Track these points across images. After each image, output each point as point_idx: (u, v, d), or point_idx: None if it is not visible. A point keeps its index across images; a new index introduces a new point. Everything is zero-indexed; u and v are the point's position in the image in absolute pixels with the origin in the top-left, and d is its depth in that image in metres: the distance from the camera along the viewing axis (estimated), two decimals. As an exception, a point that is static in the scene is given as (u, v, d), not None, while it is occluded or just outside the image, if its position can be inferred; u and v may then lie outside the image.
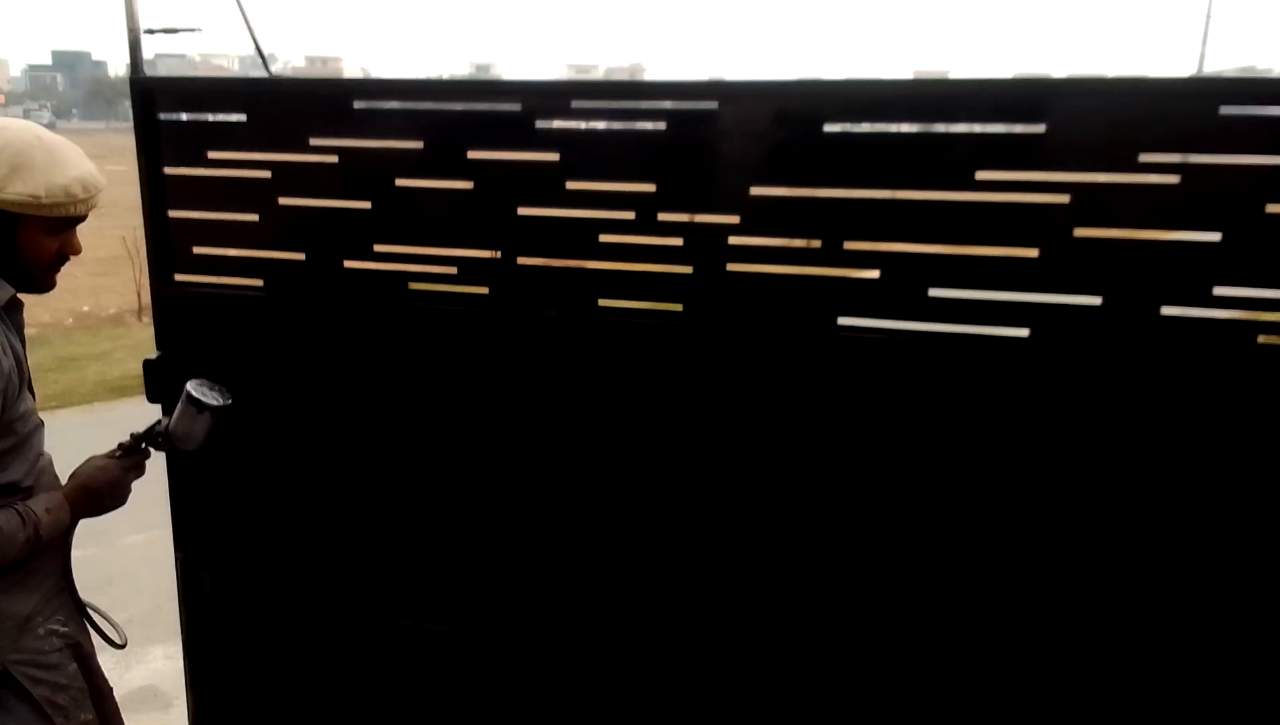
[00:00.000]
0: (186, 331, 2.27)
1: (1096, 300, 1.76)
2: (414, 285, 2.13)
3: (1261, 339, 1.71)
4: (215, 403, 1.95)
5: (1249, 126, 1.65)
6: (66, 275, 1.82)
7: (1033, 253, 1.77)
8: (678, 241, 1.96)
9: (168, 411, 2.04)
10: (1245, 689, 1.83)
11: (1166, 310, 1.73)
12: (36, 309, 8.39)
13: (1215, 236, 1.68)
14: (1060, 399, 1.81)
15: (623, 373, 2.04)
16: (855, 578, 2.00)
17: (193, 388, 1.94)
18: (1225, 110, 1.64)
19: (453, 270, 2.09)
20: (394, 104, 2.09)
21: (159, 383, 2.25)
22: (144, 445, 1.92)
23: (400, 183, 2.07)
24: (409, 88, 2.11)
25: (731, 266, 1.95)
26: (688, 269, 1.97)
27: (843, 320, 1.91)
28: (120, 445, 1.89)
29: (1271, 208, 1.65)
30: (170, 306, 2.29)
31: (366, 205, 2.11)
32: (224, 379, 2.06)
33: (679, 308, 2.00)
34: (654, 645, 2.17)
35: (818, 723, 2.09)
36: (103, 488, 1.82)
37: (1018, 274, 1.79)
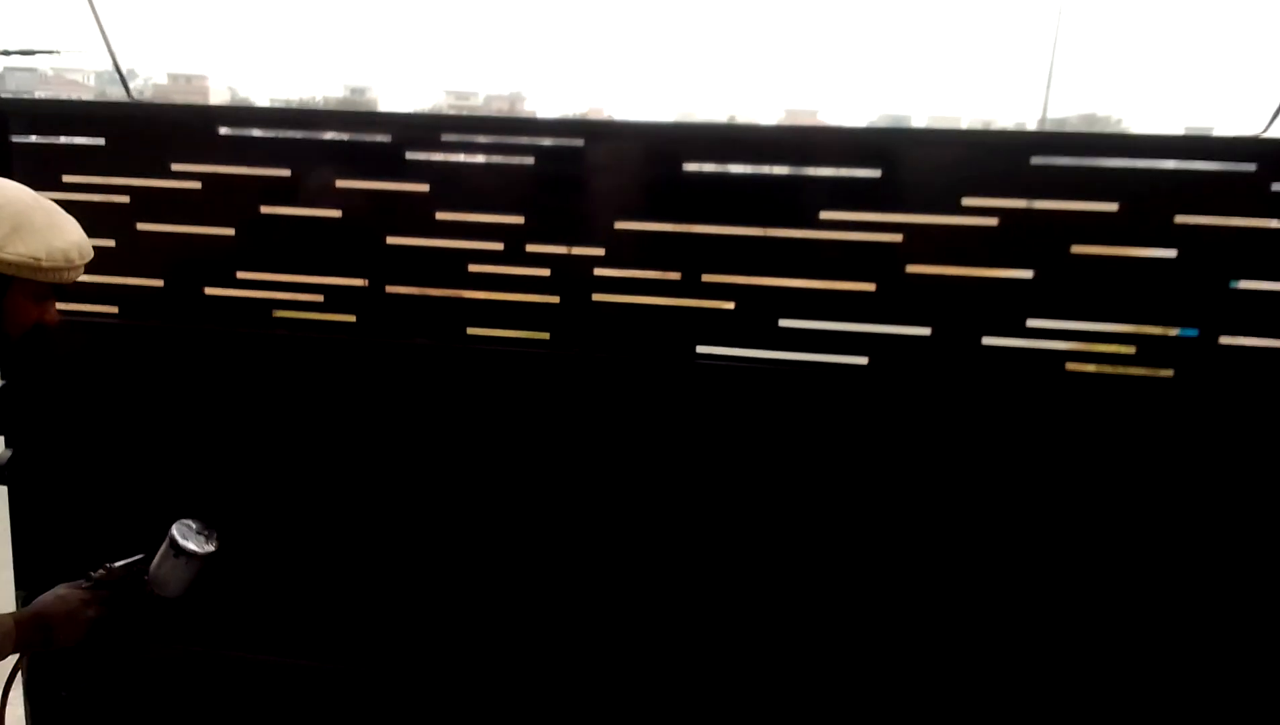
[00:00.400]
0: (36, 360, 2.18)
1: (926, 331, 1.92)
2: (279, 313, 2.12)
3: (1069, 366, 1.90)
4: (200, 551, 1.73)
5: (1056, 175, 1.85)
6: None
7: (870, 287, 1.92)
8: (545, 272, 2.03)
9: (11, 443, 1.95)
10: (1057, 692, 2.02)
11: (987, 340, 1.90)
12: None
13: (1028, 274, 1.87)
14: (896, 421, 1.96)
15: (491, 400, 2.08)
16: (716, 594, 2.10)
17: (177, 530, 1.74)
18: (1035, 160, 1.84)
19: (319, 297, 2.10)
20: (261, 132, 2.09)
21: (7, 414, 2.15)
22: (116, 582, 1.71)
23: (266, 210, 2.06)
24: (277, 116, 2.12)
25: (597, 296, 2.03)
26: (555, 299, 2.04)
27: (701, 348, 2.02)
28: (89, 576, 1.71)
29: (1077, 248, 1.86)
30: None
31: (230, 232, 2.09)
32: (76, 408, 2.00)
33: (546, 336, 2.06)
34: (513, 671, 2.20)
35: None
36: (59, 620, 1.64)
37: (857, 306, 1.94)
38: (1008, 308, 1.89)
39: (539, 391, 2.07)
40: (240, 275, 2.11)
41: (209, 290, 2.12)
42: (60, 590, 1.68)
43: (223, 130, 2.07)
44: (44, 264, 1.50)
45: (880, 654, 2.07)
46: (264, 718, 2.32)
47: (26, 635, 1.60)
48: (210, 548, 1.75)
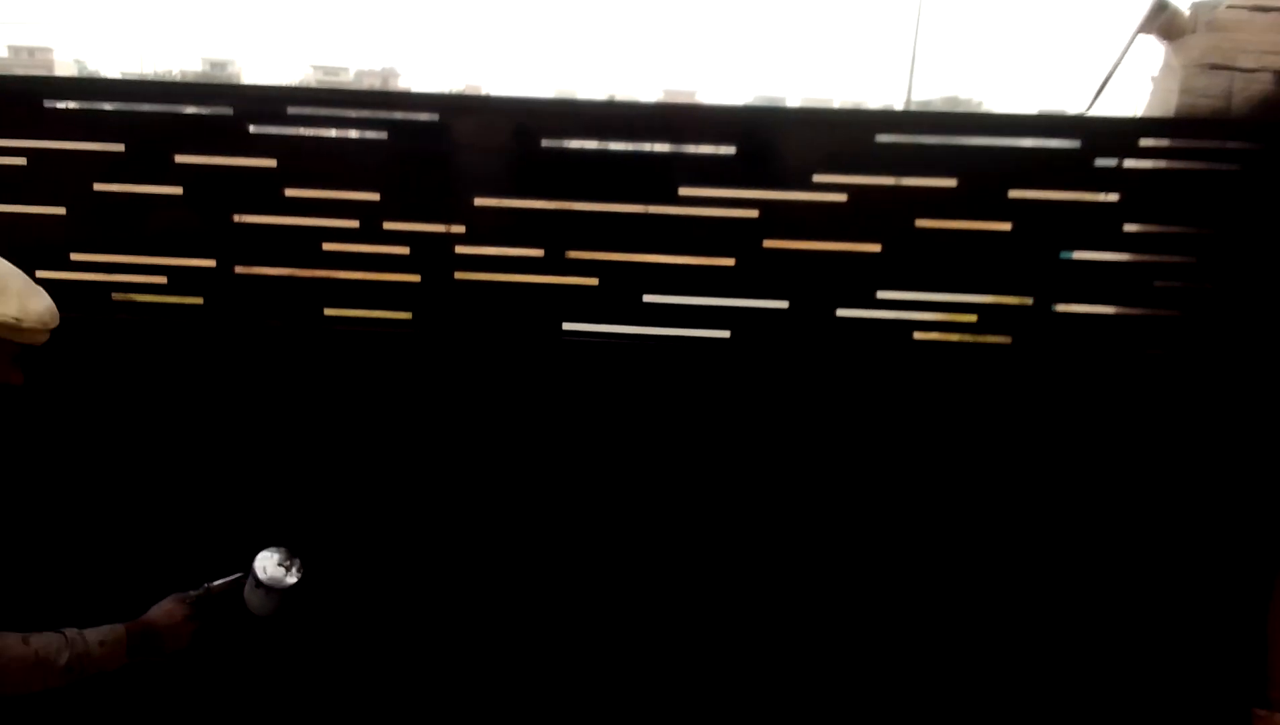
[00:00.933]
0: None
1: (784, 304, 1.98)
2: (118, 296, 2.01)
3: (917, 336, 1.99)
4: (277, 585, 1.74)
5: (900, 153, 1.92)
6: None
7: (730, 262, 1.96)
8: (404, 250, 1.99)
9: None
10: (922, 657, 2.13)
11: (841, 311, 1.97)
12: None
13: (876, 247, 1.94)
14: (758, 391, 2.02)
15: (353, 382, 2.03)
16: (594, 567, 2.12)
17: (259, 562, 1.75)
18: (881, 138, 1.90)
19: (162, 280, 1.99)
20: (92, 104, 1.96)
21: None
22: (215, 599, 1.76)
23: (99, 187, 1.95)
24: (108, 87, 2.00)
25: (459, 275, 2.00)
26: (415, 277, 2.00)
27: (567, 325, 2.02)
28: (198, 591, 1.76)
29: (921, 222, 1.94)
30: None
31: (61, 211, 1.96)
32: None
33: (408, 316, 2.02)
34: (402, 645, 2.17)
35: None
36: (166, 630, 1.72)
37: (719, 281, 1.98)
38: (858, 280, 1.96)
39: (402, 373, 2.03)
40: (75, 256, 1.98)
41: (40, 273, 1.99)
42: (167, 604, 1.75)
43: (49, 103, 1.94)
44: (24, 325, 1.55)
45: (745, 614, 2.13)
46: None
47: (136, 643, 1.68)
48: (290, 580, 1.76)
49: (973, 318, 1.98)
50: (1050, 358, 1.98)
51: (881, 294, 1.97)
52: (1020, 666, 2.14)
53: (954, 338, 2.04)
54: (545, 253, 1.98)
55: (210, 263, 1.99)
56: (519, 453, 2.06)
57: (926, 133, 1.90)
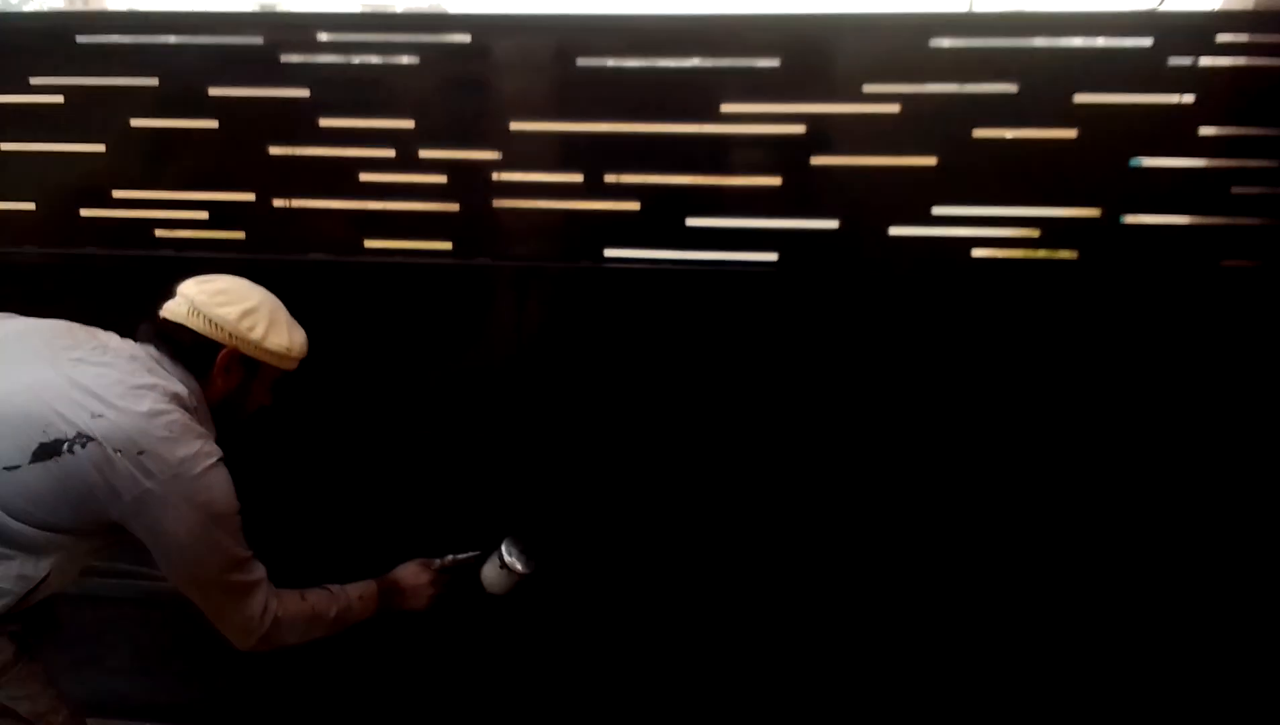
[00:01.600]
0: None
1: (834, 223, 1.90)
2: (161, 232, 2.01)
3: (975, 253, 1.90)
4: (519, 569, 1.95)
5: (958, 57, 1.81)
6: None
7: (776, 181, 1.88)
8: (441, 179, 1.95)
9: None
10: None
11: (894, 230, 1.89)
12: None
13: (932, 161, 1.84)
14: (806, 316, 1.96)
15: (394, 314, 2.02)
16: (635, 504, 2.11)
17: (506, 546, 1.97)
18: (936, 42, 1.79)
19: (204, 215, 1.99)
20: (123, 38, 1.94)
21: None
22: (455, 570, 1.99)
23: (136, 123, 1.93)
24: (138, 21, 1.96)
25: (498, 202, 1.96)
26: (454, 206, 1.96)
27: (609, 251, 1.97)
28: (442, 561, 1.99)
29: (980, 132, 1.83)
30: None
31: (100, 149, 1.96)
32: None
33: (448, 246, 1.99)
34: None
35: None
36: (410, 590, 1.93)
37: (765, 202, 1.90)
38: (913, 196, 1.87)
39: (444, 303, 2.01)
40: (117, 194, 1.99)
41: (84, 211, 2.00)
42: (412, 566, 1.96)
43: (81, 39, 1.92)
44: (291, 354, 1.72)
45: (793, 553, 2.11)
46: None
47: (385, 598, 1.89)
48: (526, 570, 1.96)
49: (1036, 232, 1.88)
50: (1119, 273, 1.87)
51: (937, 210, 1.87)
52: (1102, 600, 2.08)
53: (1016, 255, 1.94)
54: (585, 177, 1.92)
55: (249, 196, 1.98)
56: (560, 384, 2.04)
57: (985, 35, 1.78)
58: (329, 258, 2.01)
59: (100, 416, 1.47)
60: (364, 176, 1.94)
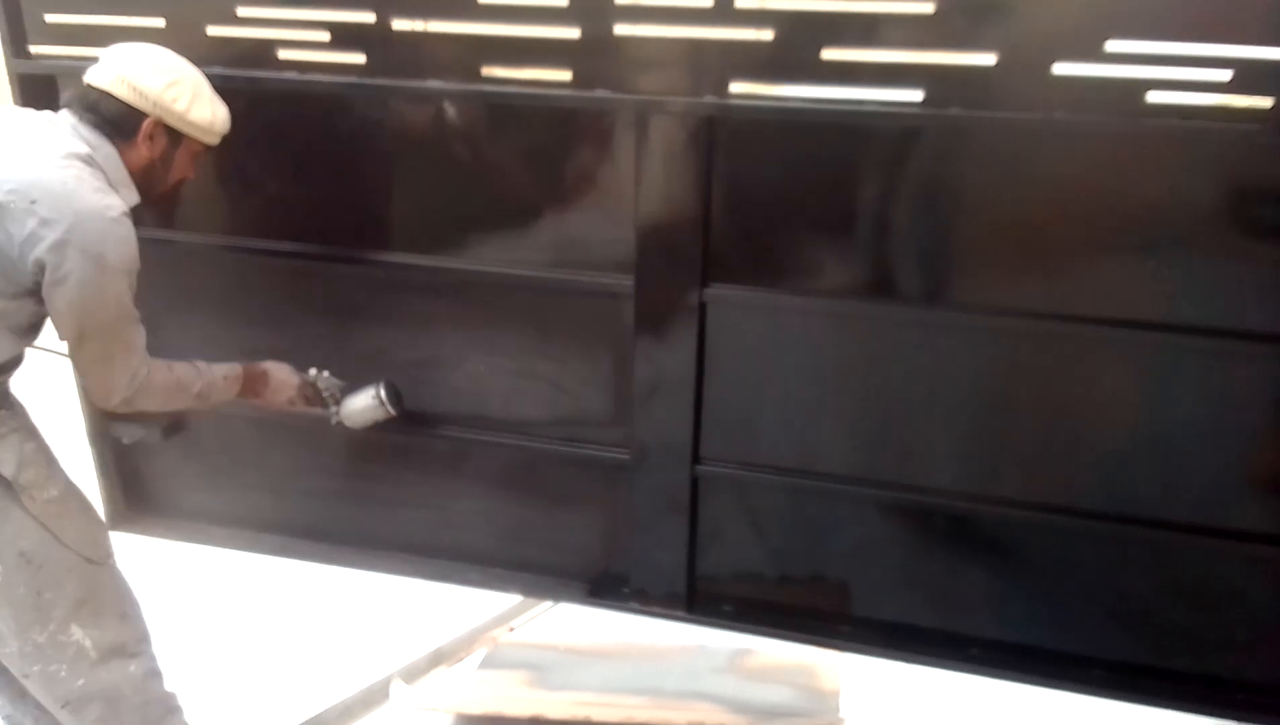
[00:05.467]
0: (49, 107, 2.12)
1: (991, 58, 1.70)
2: (284, 54, 1.99)
3: (1151, 97, 1.67)
4: (392, 411, 2.09)
5: None
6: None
7: (928, 7, 1.69)
8: (563, 1, 1.84)
9: None
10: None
11: (1058, 67, 1.68)
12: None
13: (1110, -14, 1.62)
14: (952, 166, 1.80)
15: (506, 145, 1.97)
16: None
17: (384, 385, 2.09)
18: None
19: (325, 36, 1.96)
20: None
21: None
22: (318, 389, 2.08)
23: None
24: None
25: (620, 28, 1.84)
26: (574, 32, 1.86)
27: (735, 85, 1.83)
28: (310, 375, 2.08)
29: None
30: (30, 82, 2.15)
31: (226, -37, 1.94)
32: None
33: (568, 75, 1.90)
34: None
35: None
36: (277, 385, 2.02)
37: (913, 31, 1.72)
38: (1082, 28, 1.65)
39: (557, 136, 1.95)
40: (241, 12, 1.97)
41: (211, 29, 2.00)
42: (284, 368, 2.05)
43: None
44: (214, 128, 1.80)
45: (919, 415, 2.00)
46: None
47: (248, 383, 1.96)
48: (394, 412, 2.08)
49: (1226, 76, 1.63)
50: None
51: (1111, 45, 1.65)
52: None
53: (1200, 102, 1.70)
54: (714, 1, 1.77)
55: (370, 18, 1.93)
56: (677, 231, 1.95)
57: None
58: (446, 86, 1.96)
59: None
60: (483, -2, 1.86)
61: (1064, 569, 2.05)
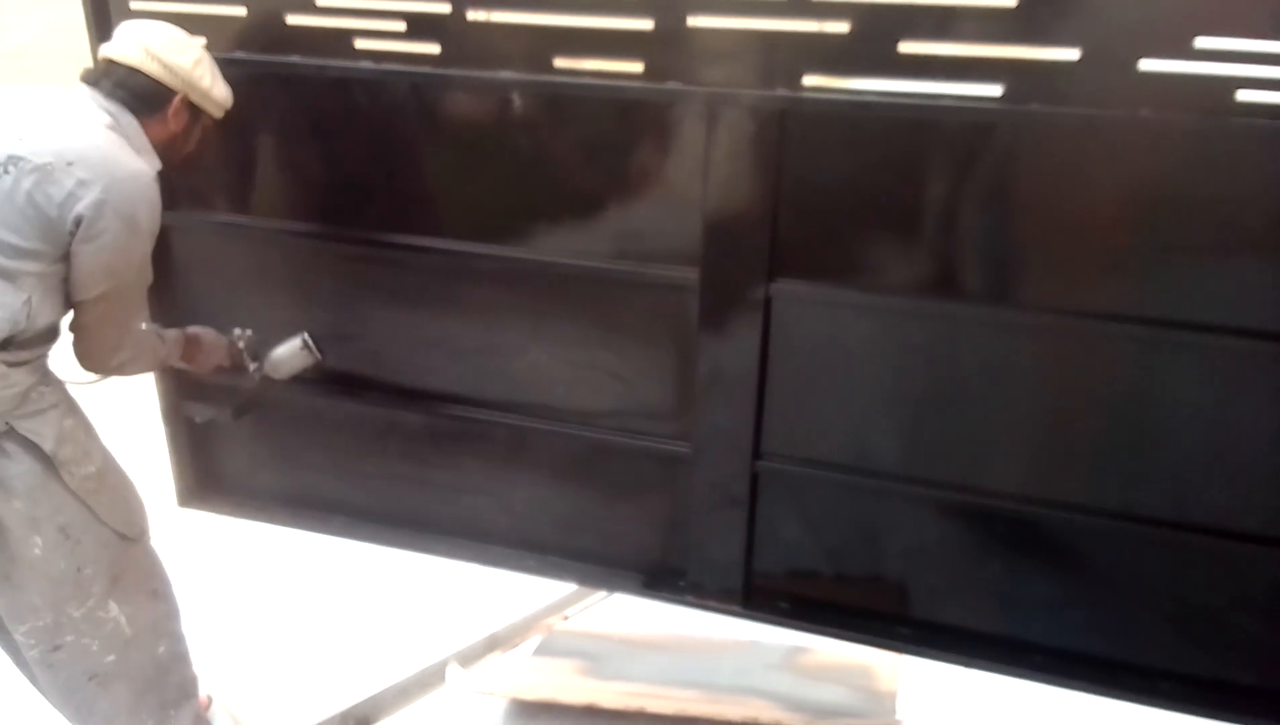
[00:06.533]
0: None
1: (1074, 53, 1.67)
2: (361, 43, 2.02)
3: (1241, 96, 1.63)
4: (316, 355, 2.17)
5: None
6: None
7: (1010, 1, 1.66)
8: (638, -9, 1.84)
9: None
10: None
11: (1145, 63, 1.64)
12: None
13: (1202, -19, 1.57)
14: (1032, 162, 1.76)
15: (582, 137, 1.98)
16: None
17: (306, 334, 2.16)
18: None
19: (401, 26, 1.98)
20: None
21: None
22: (244, 350, 2.16)
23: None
24: None
25: (693, 20, 1.84)
26: (648, 24, 1.86)
27: (808, 79, 1.82)
28: (235, 335, 2.15)
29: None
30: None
31: (306, -48, 1.98)
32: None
33: (639, 67, 1.90)
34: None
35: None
36: (209, 349, 2.10)
37: (993, 25, 1.69)
38: (1172, 23, 1.60)
39: (627, 130, 1.95)
40: (320, 1, 2.00)
41: (291, 18, 2.03)
42: (212, 332, 2.11)
43: None
44: (226, 105, 1.90)
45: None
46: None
47: (187, 351, 2.03)
48: (318, 357, 2.17)
49: (1321, 74, 1.58)
50: None
51: (1201, 41, 1.60)
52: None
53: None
54: (790, -7, 1.76)
55: (445, 8, 1.95)
56: (740, 223, 1.94)
57: None
58: (518, 76, 1.97)
59: (22, 139, 1.66)
60: (557, -12, 1.87)
61: (1130, 577, 2.00)
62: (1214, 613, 1.97)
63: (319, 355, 2.17)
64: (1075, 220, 1.80)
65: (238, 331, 2.16)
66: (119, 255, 1.72)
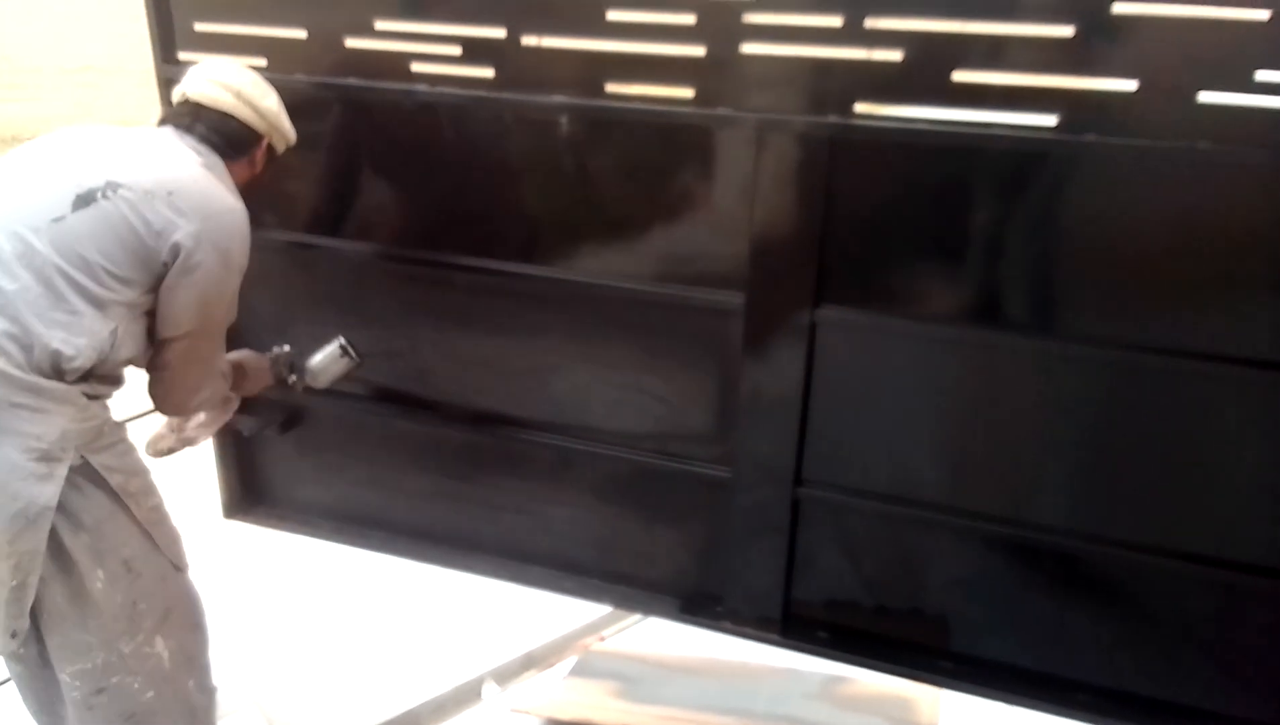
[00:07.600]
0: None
1: (1132, 84, 1.65)
2: (417, 67, 2.06)
3: (1302, 129, 1.60)
4: (353, 359, 2.18)
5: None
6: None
7: (1067, 31, 1.65)
8: (690, 19, 1.86)
9: None
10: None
11: (1204, 96, 1.62)
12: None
13: (1263, 15, 1.55)
14: (1086, 193, 1.75)
15: (628, 162, 1.99)
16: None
17: (342, 338, 2.18)
18: None
19: (457, 50, 2.01)
20: None
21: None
22: (283, 365, 2.16)
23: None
24: None
25: (746, 48, 1.85)
26: (700, 50, 1.88)
27: (860, 106, 1.82)
28: (274, 354, 2.15)
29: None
30: (174, 84, 2.26)
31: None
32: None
33: (690, 93, 1.91)
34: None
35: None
36: (254, 374, 2.10)
37: (1050, 55, 1.69)
38: (1232, 56, 1.59)
39: (676, 154, 1.96)
40: (378, 25, 2.04)
41: (349, 41, 2.07)
42: (252, 354, 2.11)
43: None
44: (292, 141, 1.94)
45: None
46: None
47: (236, 381, 2.02)
48: (359, 360, 2.18)
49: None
50: None
51: (1262, 74, 1.58)
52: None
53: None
54: (843, 21, 1.77)
55: (500, 33, 1.98)
56: (794, 248, 1.94)
57: None
58: (570, 100, 1.99)
59: (121, 166, 1.66)
60: (611, 15, 1.89)
61: (1177, 616, 1.96)
62: (1264, 654, 1.92)
63: (357, 358, 2.18)
64: (1127, 252, 1.78)
65: (275, 349, 2.18)
66: (212, 288, 1.72)
